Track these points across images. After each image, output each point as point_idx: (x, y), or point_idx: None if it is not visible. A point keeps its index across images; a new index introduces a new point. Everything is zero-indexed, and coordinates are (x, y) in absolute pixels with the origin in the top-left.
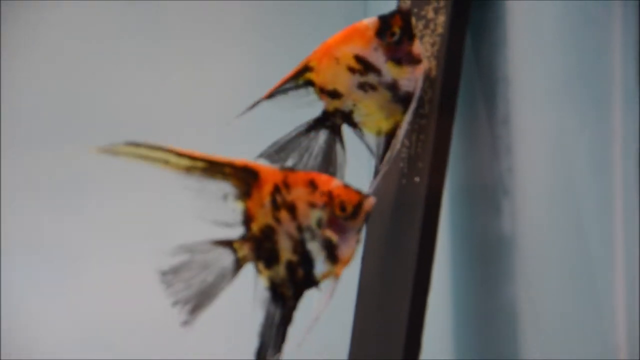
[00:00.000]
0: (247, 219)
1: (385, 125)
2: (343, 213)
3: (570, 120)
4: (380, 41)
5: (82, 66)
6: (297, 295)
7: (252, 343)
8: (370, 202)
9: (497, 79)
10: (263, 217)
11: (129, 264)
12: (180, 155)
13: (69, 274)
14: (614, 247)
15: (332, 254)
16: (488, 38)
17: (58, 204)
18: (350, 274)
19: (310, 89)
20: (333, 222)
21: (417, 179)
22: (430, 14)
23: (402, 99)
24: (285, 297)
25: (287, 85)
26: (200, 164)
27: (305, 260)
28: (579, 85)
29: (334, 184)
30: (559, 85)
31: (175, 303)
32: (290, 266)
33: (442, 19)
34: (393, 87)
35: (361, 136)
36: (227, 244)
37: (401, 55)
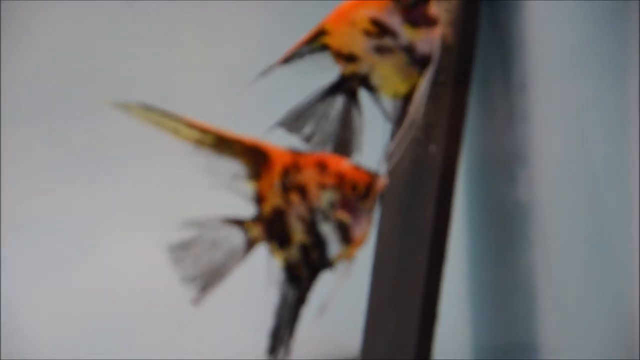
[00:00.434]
0: (258, 200)
1: (402, 88)
2: (355, 194)
3: (587, 87)
4: (396, 3)
5: (92, 31)
6: (312, 277)
7: (266, 320)
8: (382, 181)
9: (513, 45)
10: (273, 199)
11: (140, 238)
12: (191, 126)
13: (76, 247)
14: (631, 212)
15: (345, 235)
16: (504, 4)
17: (66, 175)
18: (366, 245)
19: (326, 53)
20: (345, 203)
21: (432, 148)
22: None
23: (418, 62)
24: (300, 278)
25: (303, 50)
26: (209, 139)
27: (318, 242)
28: (596, 51)
29: (344, 164)
30: (576, 51)
31: (183, 280)
32: (303, 248)
33: None
34: (409, 49)
35: (377, 100)
36: (239, 223)
37: (417, 17)
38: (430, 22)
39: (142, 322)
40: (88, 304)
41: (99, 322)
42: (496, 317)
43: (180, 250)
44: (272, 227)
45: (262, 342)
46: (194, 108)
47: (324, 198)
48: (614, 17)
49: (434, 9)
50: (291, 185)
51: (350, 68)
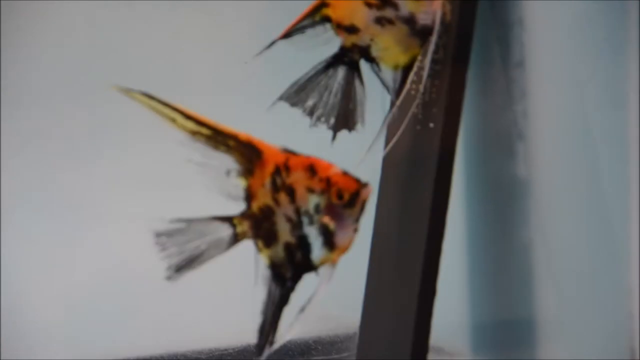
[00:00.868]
0: (249, 197)
1: (403, 59)
2: (340, 201)
3: (585, 64)
4: None
5: (95, 15)
6: (296, 278)
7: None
8: (368, 191)
9: (512, 22)
10: (263, 197)
11: (138, 220)
12: (188, 117)
13: (75, 230)
14: (629, 189)
15: (329, 241)
16: None
17: (65, 159)
18: (365, 221)
19: (328, 25)
20: (330, 209)
21: (431, 125)
22: None
23: (419, 33)
24: (284, 277)
25: (304, 23)
26: (205, 131)
27: (302, 244)
28: (594, 28)
29: (333, 170)
30: (574, 28)
31: (164, 260)
32: (288, 248)
33: None
34: (410, 20)
35: (378, 71)
36: (227, 219)
37: None
38: None
39: (140, 303)
40: (87, 286)
41: (98, 304)
42: (494, 292)
43: (166, 236)
44: (259, 225)
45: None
46: (196, 86)
47: (311, 201)
48: None
49: None
50: (281, 185)
51: (351, 39)
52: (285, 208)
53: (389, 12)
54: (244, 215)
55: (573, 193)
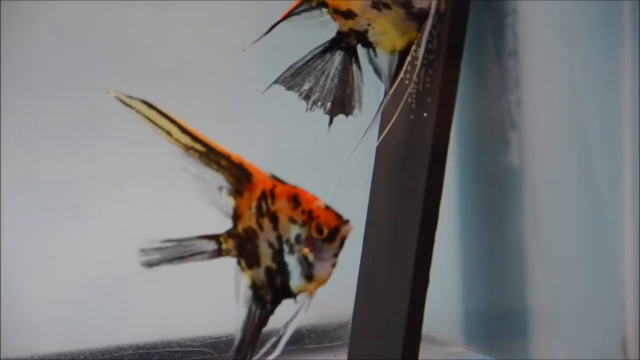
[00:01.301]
0: (236, 216)
1: (400, 43)
2: (320, 235)
3: (579, 53)
4: None
5: (93, 5)
6: (274, 302)
7: None
8: (349, 228)
9: (506, 12)
10: (248, 219)
11: (139, 205)
12: (184, 131)
13: (76, 214)
14: (622, 179)
15: (308, 272)
16: None
17: (66, 143)
18: (359, 208)
19: (324, 10)
20: (310, 242)
21: (425, 114)
22: None
23: (416, 16)
24: (264, 300)
25: (301, 7)
26: (199, 147)
27: (282, 270)
28: (588, 18)
29: (316, 204)
30: (568, 18)
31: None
32: (269, 272)
33: None
34: (406, 4)
35: (373, 57)
36: (214, 237)
37: None
38: None
39: (135, 293)
40: (83, 276)
41: (93, 293)
42: (487, 282)
43: (153, 251)
44: (243, 246)
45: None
46: (195, 73)
47: (292, 231)
48: None
49: None
50: (266, 211)
51: (348, 24)
52: (268, 234)
53: None
54: (229, 234)
55: (566, 183)
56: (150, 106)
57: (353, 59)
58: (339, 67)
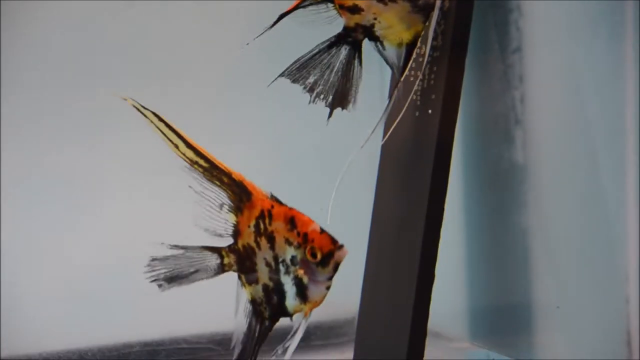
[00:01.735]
0: (236, 233)
1: (407, 36)
2: (313, 259)
3: (582, 49)
4: None
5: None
6: (272, 318)
7: None
8: (343, 253)
9: (510, 8)
10: (247, 237)
11: (139, 199)
12: (190, 146)
13: (73, 213)
14: (625, 174)
15: (302, 293)
16: None
17: (68, 138)
18: (364, 206)
19: (330, 5)
20: (305, 264)
21: (430, 111)
22: None
23: (421, 9)
24: (263, 316)
25: (307, 2)
26: (203, 162)
27: (278, 289)
28: (591, 14)
29: (312, 227)
30: (572, 14)
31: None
32: (266, 290)
33: None
34: None
35: (382, 50)
36: (217, 250)
37: None
38: None
39: (141, 288)
40: (87, 270)
41: (98, 289)
42: (492, 278)
43: (159, 260)
44: (242, 262)
45: None
46: (201, 66)
47: (288, 252)
48: None
49: None
50: (263, 230)
51: (355, 19)
52: (265, 253)
53: None
54: (230, 249)
55: (570, 178)
56: (161, 119)
57: (356, 54)
58: (344, 61)
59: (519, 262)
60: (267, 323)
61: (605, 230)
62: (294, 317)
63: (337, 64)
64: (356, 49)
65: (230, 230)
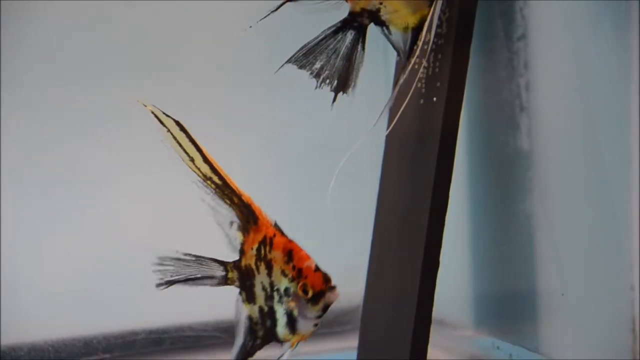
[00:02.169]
0: (242, 251)
1: (412, 20)
2: (304, 295)
3: (588, 36)
4: None
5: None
6: (264, 339)
7: None
8: (334, 295)
9: None
10: (250, 258)
11: (142, 193)
12: (206, 160)
13: (77, 203)
14: (630, 161)
15: (291, 324)
16: None
17: (71, 131)
18: (369, 193)
19: None
20: (296, 298)
21: (435, 99)
22: None
23: None
24: (257, 335)
25: None
26: (216, 179)
27: (271, 315)
28: (596, 1)
29: (307, 263)
30: (577, 0)
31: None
32: (261, 312)
33: None
34: None
35: (388, 34)
36: (223, 263)
37: None
38: None
39: (147, 277)
40: (93, 259)
41: (104, 277)
42: (496, 265)
43: (168, 261)
44: (243, 281)
45: None
46: (203, 51)
47: (282, 283)
48: None
49: None
50: (263, 256)
51: (360, 4)
52: (263, 277)
53: None
54: (235, 265)
55: (575, 165)
56: (182, 129)
57: (360, 39)
58: (349, 46)
59: (524, 250)
60: (258, 342)
61: (610, 217)
62: (284, 344)
63: (344, 49)
64: (361, 34)
65: (238, 247)
